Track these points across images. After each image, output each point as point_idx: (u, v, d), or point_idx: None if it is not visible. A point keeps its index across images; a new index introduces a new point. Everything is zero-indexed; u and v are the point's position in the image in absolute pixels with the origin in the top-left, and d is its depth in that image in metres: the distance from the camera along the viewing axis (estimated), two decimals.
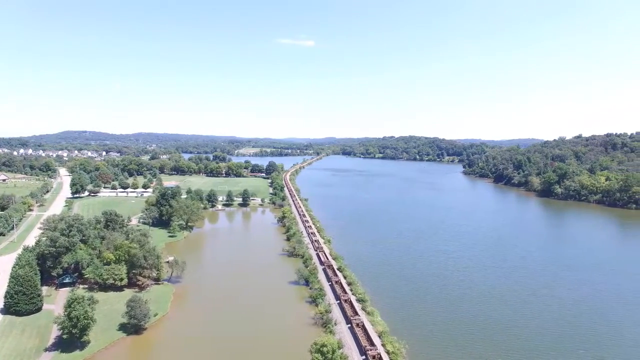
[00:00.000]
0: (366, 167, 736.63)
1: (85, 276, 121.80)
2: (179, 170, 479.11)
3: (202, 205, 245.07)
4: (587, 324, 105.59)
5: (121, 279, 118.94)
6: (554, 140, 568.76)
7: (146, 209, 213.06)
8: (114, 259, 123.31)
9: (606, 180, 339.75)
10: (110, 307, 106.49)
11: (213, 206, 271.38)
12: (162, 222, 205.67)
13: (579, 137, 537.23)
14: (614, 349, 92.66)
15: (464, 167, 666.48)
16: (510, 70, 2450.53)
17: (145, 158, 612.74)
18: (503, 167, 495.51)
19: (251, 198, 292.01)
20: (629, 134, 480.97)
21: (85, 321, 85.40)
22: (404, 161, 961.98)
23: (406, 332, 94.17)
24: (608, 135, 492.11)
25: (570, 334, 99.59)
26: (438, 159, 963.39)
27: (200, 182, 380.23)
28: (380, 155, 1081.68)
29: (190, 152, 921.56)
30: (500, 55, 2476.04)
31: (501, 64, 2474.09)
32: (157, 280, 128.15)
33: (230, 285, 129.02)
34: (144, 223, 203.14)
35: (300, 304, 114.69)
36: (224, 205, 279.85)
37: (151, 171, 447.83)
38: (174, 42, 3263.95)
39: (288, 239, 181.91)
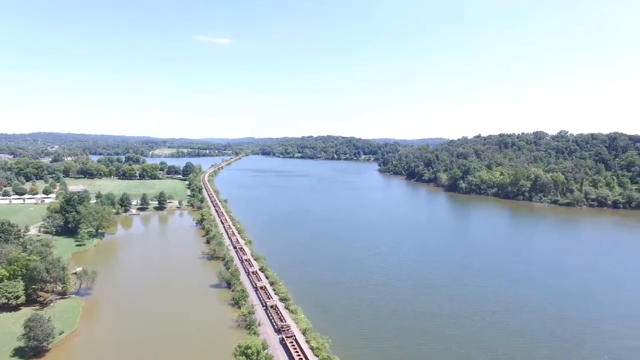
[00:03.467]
0: (286, 167, 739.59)
1: None
2: (86, 174, 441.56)
3: (114, 210, 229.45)
4: (494, 309, 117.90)
5: (17, 297, 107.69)
6: (458, 139, 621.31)
7: (48, 217, 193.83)
8: (8, 274, 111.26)
9: (500, 175, 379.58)
10: (3, 330, 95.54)
11: (126, 211, 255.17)
12: (68, 230, 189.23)
13: (478, 136, 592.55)
14: (517, 325, 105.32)
15: (379, 165, 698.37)
16: (420, 74, 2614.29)
17: (46, 160, 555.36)
18: (415, 165, 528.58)
19: (168, 201, 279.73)
20: (516, 134, 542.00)
21: None
22: (323, 160, 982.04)
23: (329, 328, 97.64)
24: (501, 135, 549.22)
25: (481, 319, 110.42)
26: (355, 158, 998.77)
27: (111, 186, 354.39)
28: (300, 154, 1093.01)
29: (100, 154, 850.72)
30: (412, 60, 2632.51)
31: (413, 68, 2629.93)
32: (63, 294, 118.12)
33: (148, 293, 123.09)
34: (46, 232, 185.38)
35: (223, 307, 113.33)
36: (138, 209, 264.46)
37: (54, 175, 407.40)
38: (80, 33, 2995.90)
39: (208, 242, 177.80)
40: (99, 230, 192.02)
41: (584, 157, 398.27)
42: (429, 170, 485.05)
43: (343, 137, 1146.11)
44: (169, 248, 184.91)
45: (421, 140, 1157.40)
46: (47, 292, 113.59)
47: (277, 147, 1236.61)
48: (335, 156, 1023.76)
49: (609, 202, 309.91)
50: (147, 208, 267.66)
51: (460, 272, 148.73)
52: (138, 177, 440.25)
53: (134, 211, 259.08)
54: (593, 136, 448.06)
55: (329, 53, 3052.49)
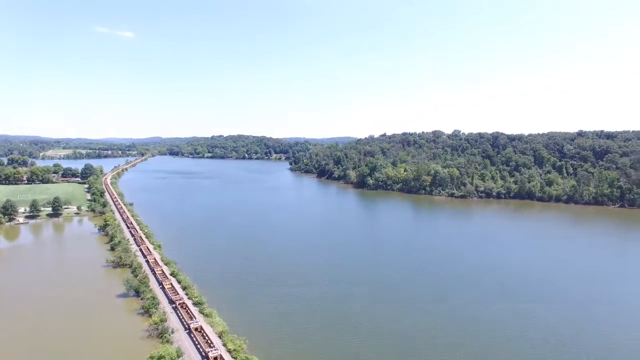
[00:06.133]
0: (195, 167, 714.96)
1: None
2: None
3: None
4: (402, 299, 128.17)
5: None
6: (366, 138, 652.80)
7: None
8: None
9: (404, 171, 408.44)
10: None
11: (11, 219, 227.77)
12: None
13: (384, 135, 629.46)
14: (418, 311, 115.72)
15: (290, 164, 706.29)
16: (327, 75, 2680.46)
17: None
18: (325, 163, 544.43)
19: (64, 206, 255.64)
20: (417, 133, 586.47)
21: None
22: (234, 160, 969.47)
23: (246, 329, 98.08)
24: (404, 134, 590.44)
25: (399, 314, 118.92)
26: (266, 157, 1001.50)
27: None
28: (210, 154, 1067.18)
29: None
30: (323, 63, 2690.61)
31: (321, 70, 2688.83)
32: None
33: (41, 312, 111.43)
34: None
35: (132, 317, 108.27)
36: (27, 217, 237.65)
37: None
38: None
39: (112, 249, 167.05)
40: None
41: (474, 154, 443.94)
42: (338, 168, 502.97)
43: (254, 137, 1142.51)
44: (67, 258, 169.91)
45: (331, 139, 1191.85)
46: None
47: (186, 147, 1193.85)
48: (247, 155, 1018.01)
49: (494, 193, 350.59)
50: (38, 216, 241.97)
51: (372, 267, 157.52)
52: (26, 182, 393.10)
53: (21, 220, 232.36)
54: (480, 135, 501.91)
55: (239, 52, 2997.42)
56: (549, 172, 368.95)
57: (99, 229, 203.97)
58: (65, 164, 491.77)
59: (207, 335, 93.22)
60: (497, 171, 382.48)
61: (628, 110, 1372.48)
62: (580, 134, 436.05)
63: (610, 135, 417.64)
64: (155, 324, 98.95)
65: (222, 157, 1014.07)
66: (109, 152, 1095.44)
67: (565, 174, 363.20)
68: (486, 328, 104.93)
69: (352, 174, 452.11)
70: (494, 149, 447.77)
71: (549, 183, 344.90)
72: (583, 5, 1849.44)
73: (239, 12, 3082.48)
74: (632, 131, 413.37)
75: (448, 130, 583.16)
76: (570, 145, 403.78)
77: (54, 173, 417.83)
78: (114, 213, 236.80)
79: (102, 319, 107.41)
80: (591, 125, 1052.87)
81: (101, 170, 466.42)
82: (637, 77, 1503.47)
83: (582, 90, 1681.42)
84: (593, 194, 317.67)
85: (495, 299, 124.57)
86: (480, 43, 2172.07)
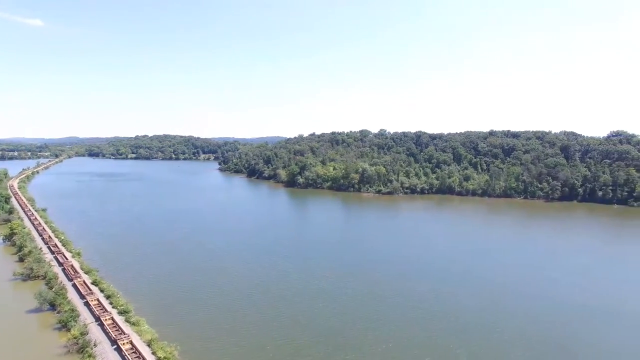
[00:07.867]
0: (118, 169, 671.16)
1: None
2: None
3: None
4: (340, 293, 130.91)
5: None
6: (295, 137, 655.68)
7: None
8: None
9: (333, 169, 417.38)
10: None
11: None
12: None
13: (313, 134, 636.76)
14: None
15: (219, 164, 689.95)
16: (256, 75, 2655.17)
17: None
18: (255, 163, 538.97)
19: None
20: (346, 132, 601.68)
21: None
22: (160, 161, 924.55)
23: (178, 335, 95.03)
24: (333, 133, 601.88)
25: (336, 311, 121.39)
26: (194, 157, 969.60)
27: None
28: (134, 155, 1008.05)
29: None
30: (253, 63, 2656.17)
31: (250, 70, 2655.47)
32: None
33: None
34: None
35: (47, 333, 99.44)
36: None
37: None
38: None
39: (22, 260, 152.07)
40: None
41: (399, 152, 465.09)
42: (268, 168, 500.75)
43: (181, 136, 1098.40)
44: None
45: (260, 139, 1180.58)
46: None
47: (107, 147, 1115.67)
48: (174, 156, 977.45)
49: (418, 189, 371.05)
50: None
51: (306, 267, 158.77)
52: None
53: None
54: (405, 134, 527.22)
55: (160, 47, 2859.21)
56: (466, 168, 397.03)
57: (3, 239, 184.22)
58: None
59: (135, 345, 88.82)
60: (421, 168, 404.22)
61: (529, 112, 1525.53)
62: (492, 133, 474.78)
63: (515, 135, 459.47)
64: (75, 338, 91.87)
65: (148, 158, 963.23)
66: (16, 153, 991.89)
67: (480, 170, 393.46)
68: (418, 317, 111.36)
69: (283, 173, 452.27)
70: (417, 147, 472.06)
71: (467, 178, 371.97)
72: (502, 15, 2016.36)
73: (160, 7, 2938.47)
74: (532, 131, 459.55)
75: (374, 129, 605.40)
76: (484, 143, 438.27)
77: None
78: (22, 220, 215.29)
79: (10, 338, 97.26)
80: (500, 125, 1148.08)
81: (6, 174, 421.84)
82: (537, 84, 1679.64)
83: (492, 94, 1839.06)
84: (503, 188, 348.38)
85: (426, 286, 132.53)
86: (404, 47, 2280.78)
